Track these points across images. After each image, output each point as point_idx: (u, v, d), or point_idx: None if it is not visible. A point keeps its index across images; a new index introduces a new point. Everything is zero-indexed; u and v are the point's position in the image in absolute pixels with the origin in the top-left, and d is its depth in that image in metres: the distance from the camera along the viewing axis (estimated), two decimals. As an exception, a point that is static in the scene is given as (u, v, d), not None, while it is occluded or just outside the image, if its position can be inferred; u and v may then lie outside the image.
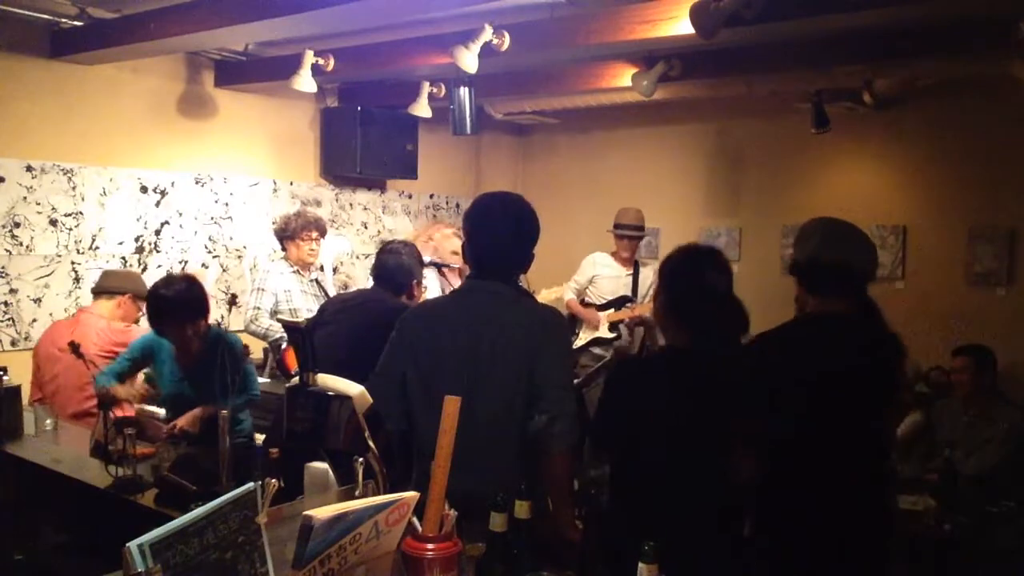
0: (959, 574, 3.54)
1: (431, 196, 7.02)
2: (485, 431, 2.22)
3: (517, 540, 1.65)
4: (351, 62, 4.89)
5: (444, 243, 4.57)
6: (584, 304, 5.48)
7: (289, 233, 4.68)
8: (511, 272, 2.44)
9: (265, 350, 4.80)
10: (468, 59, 4.08)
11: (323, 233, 4.78)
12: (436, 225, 5.06)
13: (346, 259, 6.17)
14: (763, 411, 2.26)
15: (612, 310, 5.35)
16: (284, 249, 4.77)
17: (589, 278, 5.47)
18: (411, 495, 1.57)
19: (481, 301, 2.39)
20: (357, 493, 1.84)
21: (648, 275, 5.35)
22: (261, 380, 4.18)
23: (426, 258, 4.37)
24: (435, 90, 5.39)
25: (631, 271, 5.44)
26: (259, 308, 4.56)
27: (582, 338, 5.40)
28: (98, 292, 4.16)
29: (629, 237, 5.35)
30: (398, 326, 2.47)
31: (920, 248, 5.63)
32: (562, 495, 2.29)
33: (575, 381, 4.06)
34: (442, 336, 2.38)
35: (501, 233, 2.42)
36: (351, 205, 6.42)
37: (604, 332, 5.35)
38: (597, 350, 5.33)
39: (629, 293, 5.40)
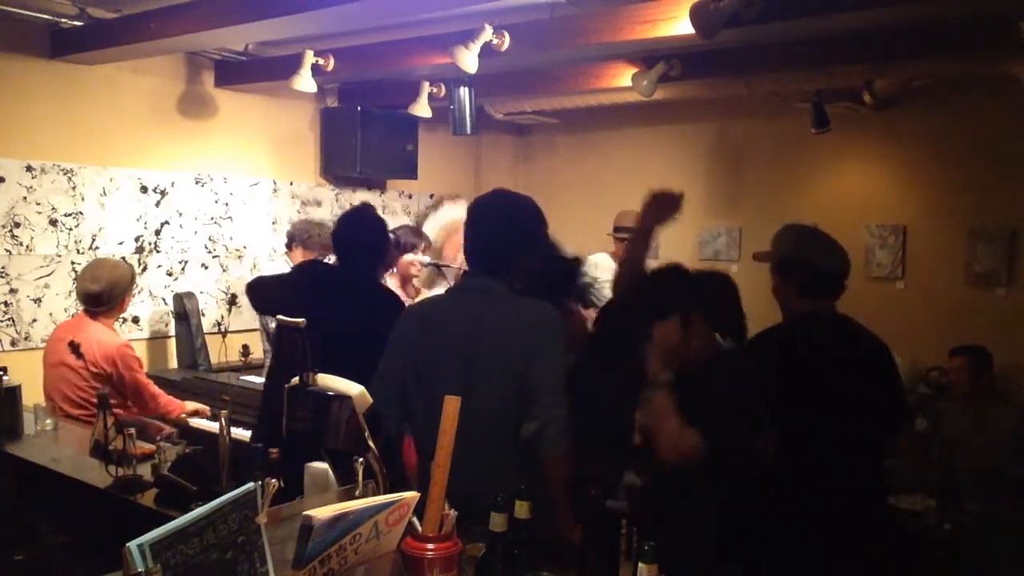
0: (959, 574, 3.53)
1: (431, 196, 7.01)
2: (483, 430, 2.21)
3: (517, 540, 1.65)
4: (351, 62, 4.88)
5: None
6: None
7: (314, 243, 4.76)
8: (507, 270, 2.42)
9: (265, 350, 4.80)
10: (468, 59, 4.08)
11: None
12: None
13: None
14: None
15: None
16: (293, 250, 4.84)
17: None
18: (411, 495, 1.57)
19: (475, 300, 2.39)
20: (357, 493, 1.83)
21: None
22: (260, 380, 4.18)
23: (425, 259, 4.36)
24: (435, 90, 5.39)
25: None
26: (257, 308, 4.59)
27: None
28: (97, 309, 3.85)
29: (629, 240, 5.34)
30: (396, 326, 2.47)
31: (920, 248, 5.63)
32: (558, 497, 2.29)
33: None
34: (437, 336, 2.37)
35: (494, 231, 2.41)
36: (351, 205, 6.40)
37: None
38: None
39: None
